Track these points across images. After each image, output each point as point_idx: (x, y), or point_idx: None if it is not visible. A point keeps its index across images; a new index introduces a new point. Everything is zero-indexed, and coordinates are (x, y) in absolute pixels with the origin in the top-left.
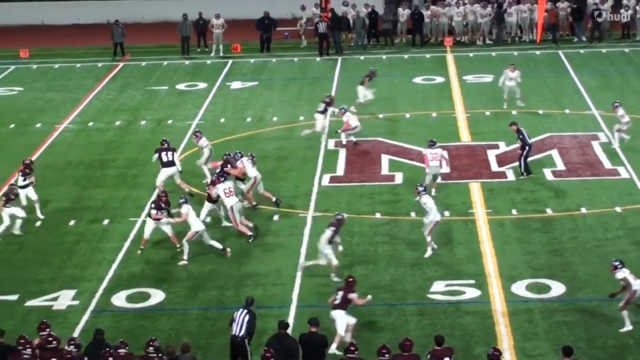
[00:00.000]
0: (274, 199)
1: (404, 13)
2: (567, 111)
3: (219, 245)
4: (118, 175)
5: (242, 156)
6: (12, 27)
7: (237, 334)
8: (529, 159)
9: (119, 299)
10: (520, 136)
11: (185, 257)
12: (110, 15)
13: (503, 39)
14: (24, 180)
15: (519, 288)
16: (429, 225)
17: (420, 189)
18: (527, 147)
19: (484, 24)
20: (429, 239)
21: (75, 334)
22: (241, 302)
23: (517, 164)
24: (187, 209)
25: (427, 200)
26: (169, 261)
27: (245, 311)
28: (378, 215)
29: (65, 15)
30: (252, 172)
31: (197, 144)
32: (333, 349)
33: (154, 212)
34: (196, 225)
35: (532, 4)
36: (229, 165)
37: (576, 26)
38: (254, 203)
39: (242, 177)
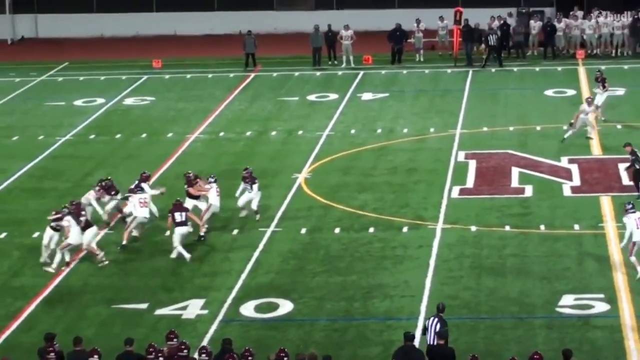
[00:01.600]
0: (202, 232)
1: (535, 25)
2: None
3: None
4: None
5: (215, 181)
6: (145, 38)
7: (432, 342)
8: None
9: (248, 309)
10: (633, 157)
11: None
12: (242, 25)
13: (638, 51)
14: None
15: None
16: (627, 245)
17: (628, 207)
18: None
19: (617, 36)
20: (633, 259)
21: (204, 344)
22: (370, 313)
23: None
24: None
25: (627, 221)
26: (298, 271)
27: (437, 319)
28: (507, 227)
29: (197, 25)
30: (213, 199)
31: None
32: None
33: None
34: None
35: None
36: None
37: None
38: (203, 232)
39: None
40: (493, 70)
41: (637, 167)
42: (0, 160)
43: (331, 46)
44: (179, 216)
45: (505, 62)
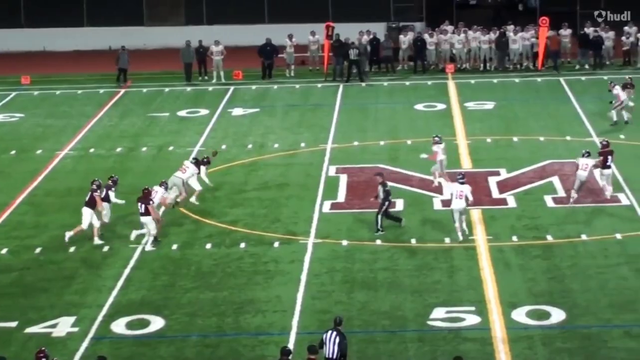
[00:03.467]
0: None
1: (405, 40)
2: (568, 138)
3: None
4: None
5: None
6: (14, 54)
7: (330, 356)
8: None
9: (119, 326)
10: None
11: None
12: (112, 41)
13: (505, 66)
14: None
15: (519, 315)
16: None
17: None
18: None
19: (485, 51)
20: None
21: None
22: (242, 328)
23: (519, 190)
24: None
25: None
26: (169, 287)
27: (335, 332)
28: (378, 242)
29: (66, 41)
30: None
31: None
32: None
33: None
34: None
35: (535, 32)
36: (98, 191)
37: (580, 53)
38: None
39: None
40: (363, 84)
41: (386, 201)
42: None
43: (202, 61)
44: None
45: (375, 77)
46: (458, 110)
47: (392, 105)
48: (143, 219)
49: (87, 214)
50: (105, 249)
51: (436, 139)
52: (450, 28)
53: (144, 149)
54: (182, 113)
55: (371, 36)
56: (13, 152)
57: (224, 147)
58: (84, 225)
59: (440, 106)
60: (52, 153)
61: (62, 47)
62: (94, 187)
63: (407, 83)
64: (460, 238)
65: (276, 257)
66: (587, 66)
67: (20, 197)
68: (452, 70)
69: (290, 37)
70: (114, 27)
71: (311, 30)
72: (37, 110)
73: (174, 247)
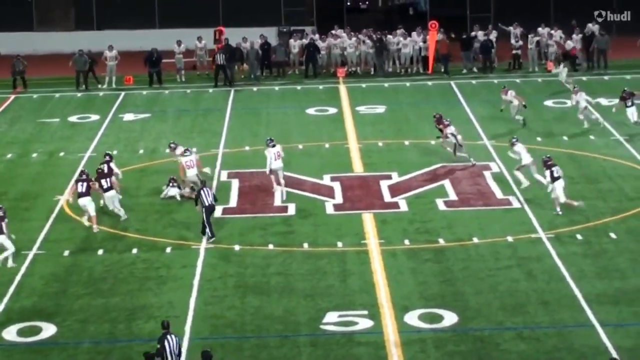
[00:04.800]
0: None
1: (295, 44)
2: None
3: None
4: (9, 209)
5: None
6: None
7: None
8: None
9: (10, 333)
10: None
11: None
12: (1, 47)
13: (386, 70)
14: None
15: (412, 318)
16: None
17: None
18: None
19: (372, 55)
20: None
21: None
22: (134, 334)
23: (410, 194)
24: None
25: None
26: (61, 294)
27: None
28: (271, 246)
29: None
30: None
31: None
32: None
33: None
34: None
35: (425, 36)
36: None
37: (464, 56)
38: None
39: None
40: (255, 89)
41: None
42: None
43: (91, 68)
44: (105, 183)
45: (267, 82)
46: (349, 114)
47: (283, 110)
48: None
49: (88, 203)
50: None
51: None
52: (340, 32)
53: (34, 155)
54: (73, 119)
55: (263, 40)
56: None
57: (115, 152)
58: (92, 212)
59: (332, 110)
60: None
61: None
62: (84, 177)
63: (299, 87)
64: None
65: (168, 262)
66: (475, 69)
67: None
68: (343, 74)
69: (178, 42)
70: (1, 33)
71: (198, 35)
72: None
73: (66, 253)
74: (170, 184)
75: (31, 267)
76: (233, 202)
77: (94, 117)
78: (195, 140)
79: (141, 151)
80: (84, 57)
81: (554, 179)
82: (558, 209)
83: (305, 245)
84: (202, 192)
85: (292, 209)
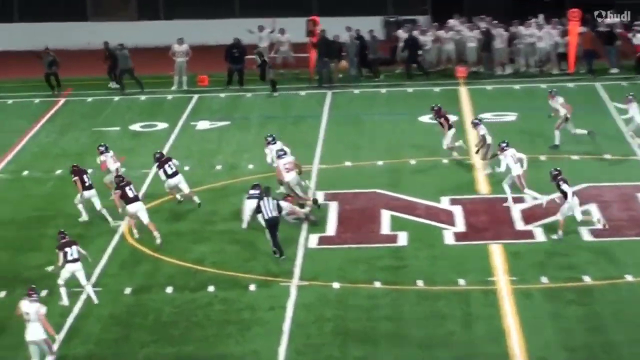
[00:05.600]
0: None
1: (403, 38)
2: (607, 156)
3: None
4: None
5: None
6: None
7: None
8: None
9: None
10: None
11: None
12: (49, 40)
13: (492, 70)
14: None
15: None
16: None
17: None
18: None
19: (500, 51)
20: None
21: None
22: None
23: (547, 221)
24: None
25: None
26: (122, 341)
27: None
28: (377, 284)
29: None
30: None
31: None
32: None
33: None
34: None
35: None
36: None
37: (608, 52)
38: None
39: None
40: (356, 91)
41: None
42: None
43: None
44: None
45: (373, 83)
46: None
47: (391, 117)
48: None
49: (141, 209)
50: (43, 294)
51: None
52: (457, 23)
53: (90, 170)
54: (136, 127)
55: (355, 34)
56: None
57: (186, 168)
58: (146, 219)
59: (450, 118)
60: None
61: None
62: (125, 180)
63: (410, 90)
64: None
65: (252, 303)
66: (616, 70)
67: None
68: (464, 74)
69: (261, 29)
70: (50, 23)
71: (281, 27)
72: None
73: (127, 290)
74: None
75: (86, 307)
76: (331, 229)
77: (161, 126)
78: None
79: (219, 167)
80: (125, 52)
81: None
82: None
83: (420, 282)
84: (262, 202)
85: (403, 239)
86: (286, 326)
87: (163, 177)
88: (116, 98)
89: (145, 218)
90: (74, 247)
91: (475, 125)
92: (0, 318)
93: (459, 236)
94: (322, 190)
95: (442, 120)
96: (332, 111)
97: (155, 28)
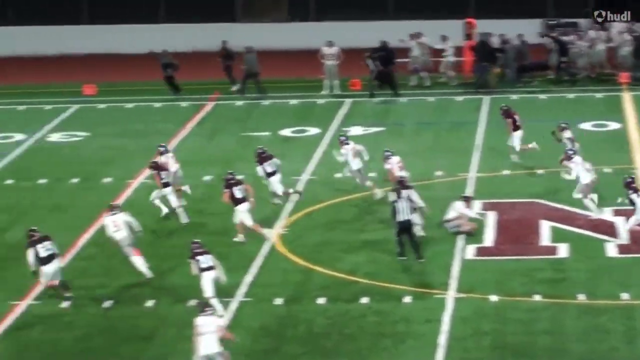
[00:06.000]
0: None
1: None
2: None
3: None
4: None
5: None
6: (74, 57)
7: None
8: None
9: None
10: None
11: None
12: (196, 42)
13: None
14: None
15: None
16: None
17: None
18: None
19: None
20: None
21: None
22: None
23: None
24: None
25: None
26: (273, 353)
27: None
28: (537, 297)
29: (139, 41)
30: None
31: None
32: None
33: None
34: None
35: None
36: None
37: None
38: None
39: None
40: (514, 97)
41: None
42: None
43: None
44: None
45: (527, 89)
46: (637, 132)
47: (550, 123)
48: None
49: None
50: (192, 302)
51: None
52: (618, 26)
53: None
54: (286, 132)
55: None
56: (75, 179)
57: (338, 175)
58: (249, 221)
59: (613, 125)
60: (122, 182)
61: (134, 49)
62: (235, 179)
63: (571, 96)
64: None
65: (407, 315)
66: None
67: (84, 236)
68: (628, 79)
69: (415, 35)
70: (197, 24)
71: (445, 26)
72: (104, 128)
73: (278, 301)
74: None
75: (236, 318)
76: (489, 240)
77: (313, 131)
78: (439, 160)
79: (372, 174)
80: (253, 56)
81: None
82: None
83: (581, 296)
84: (397, 204)
85: (563, 250)
86: (442, 339)
87: (261, 173)
88: (266, 102)
89: (249, 220)
90: (207, 256)
91: (562, 129)
92: (149, 327)
93: (622, 249)
94: (480, 200)
95: (510, 121)
96: (489, 117)
97: (306, 30)
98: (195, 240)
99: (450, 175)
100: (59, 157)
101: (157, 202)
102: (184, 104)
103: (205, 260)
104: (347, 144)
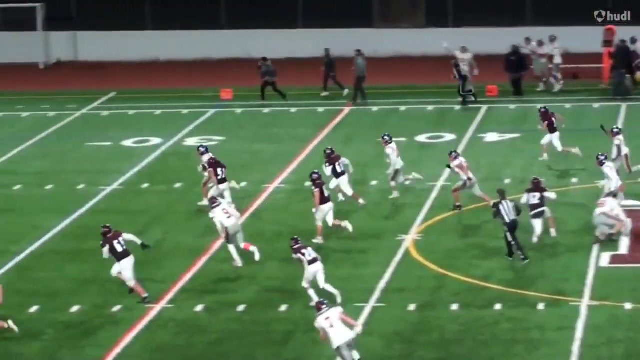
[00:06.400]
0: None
1: None
2: None
3: None
4: (342, 250)
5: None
6: (212, 62)
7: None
8: None
9: None
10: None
11: None
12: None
13: None
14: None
15: None
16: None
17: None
18: None
19: None
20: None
21: None
22: None
23: None
24: None
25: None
26: (405, 358)
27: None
28: None
29: (276, 46)
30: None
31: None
32: None
33: None
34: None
35: None
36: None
37: None
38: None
39: None
40: None
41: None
42: (31, 214)
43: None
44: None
45: None
46: None
47: None
48: None
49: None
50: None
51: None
52: None
53: (374, 182)
54: (422, 138)
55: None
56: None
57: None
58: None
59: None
60: (259, 187)
61: (271, 53)
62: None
63: None
64: None
65: (541, 322)
66: None
67: (220, 240)
68: None
69: (539, 42)
70: (333, 29)
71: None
72: (240, 132)
73: (411, 307)
74: None
75: (370, 323)
76: (624, 248)
77: (449, 137)
78: (575, 167)
79: (507, 181)
80: (362, 61)
81: None
82: None
83: None
84: (501, 206)
85: None
86: (575, 347)
87: (329, 173)
88: (402, 108)
89: (330, 219)
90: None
91: (615, 134)
92: (282, 332)
93: None
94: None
95: (546, 123)
96: (626, 124)
97: (443, 36)
98: (294, 237)
99: (587, 183)
100: (194, 161)
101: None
102: (320, 109)
103: (309, 252)
104: (390, 143)
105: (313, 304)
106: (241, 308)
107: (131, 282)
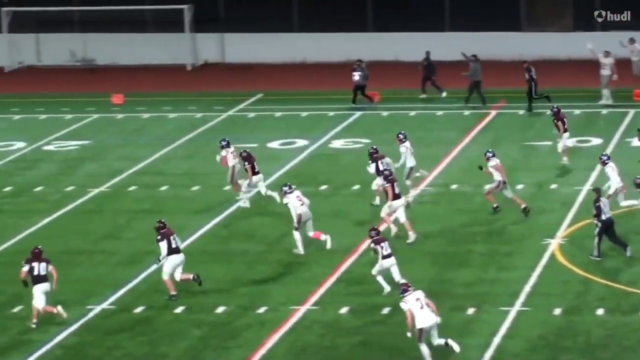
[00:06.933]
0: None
1: None
2: None
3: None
4: (487, 253)
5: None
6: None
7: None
8: None
9: None
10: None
11: None
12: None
13: None
14: None
15: None
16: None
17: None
18: None
19: None
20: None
21: None
22: None
23: None
24: None
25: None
26: None
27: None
28: None
29: (421, 48)
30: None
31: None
32: None
33: None
34: None
35: None
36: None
37: None
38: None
39: None
40: None
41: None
42: (177, 215)
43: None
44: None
45: None
46: None
47: None
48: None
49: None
50: (470, 311)
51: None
52: None
53: (520, 186)
54: (569, 142)
55: None
56: (356, 186)
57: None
58: (403, 217)
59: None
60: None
61: (416, 56)
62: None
63: None
64: None
65: None
66: None
67: (365, 242)
68: None
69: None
70: (482, 33)
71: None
72: (386, 135)
73: (557, 311)
74: None
75: (514, 327)
76: None
77: (595, 141)
78: None
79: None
80: (477, 65)
81: None
82: None
83: None
84: (600, 204)
85: None
86: None
87: (372, 171)
88: (547, 111)
89: (402, 216)
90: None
91: None
92: None
93: None
94: None
95: (559, 123)
96: None
97: (589, 39)
98: (374, 227)
99: None
100: (341, 163)
101: (269, 192)
102: (466, 112)
103: (386, 247)
104: (405, 141)
105: (384, 293)
106: (386, 311)
107: (165, 276)
